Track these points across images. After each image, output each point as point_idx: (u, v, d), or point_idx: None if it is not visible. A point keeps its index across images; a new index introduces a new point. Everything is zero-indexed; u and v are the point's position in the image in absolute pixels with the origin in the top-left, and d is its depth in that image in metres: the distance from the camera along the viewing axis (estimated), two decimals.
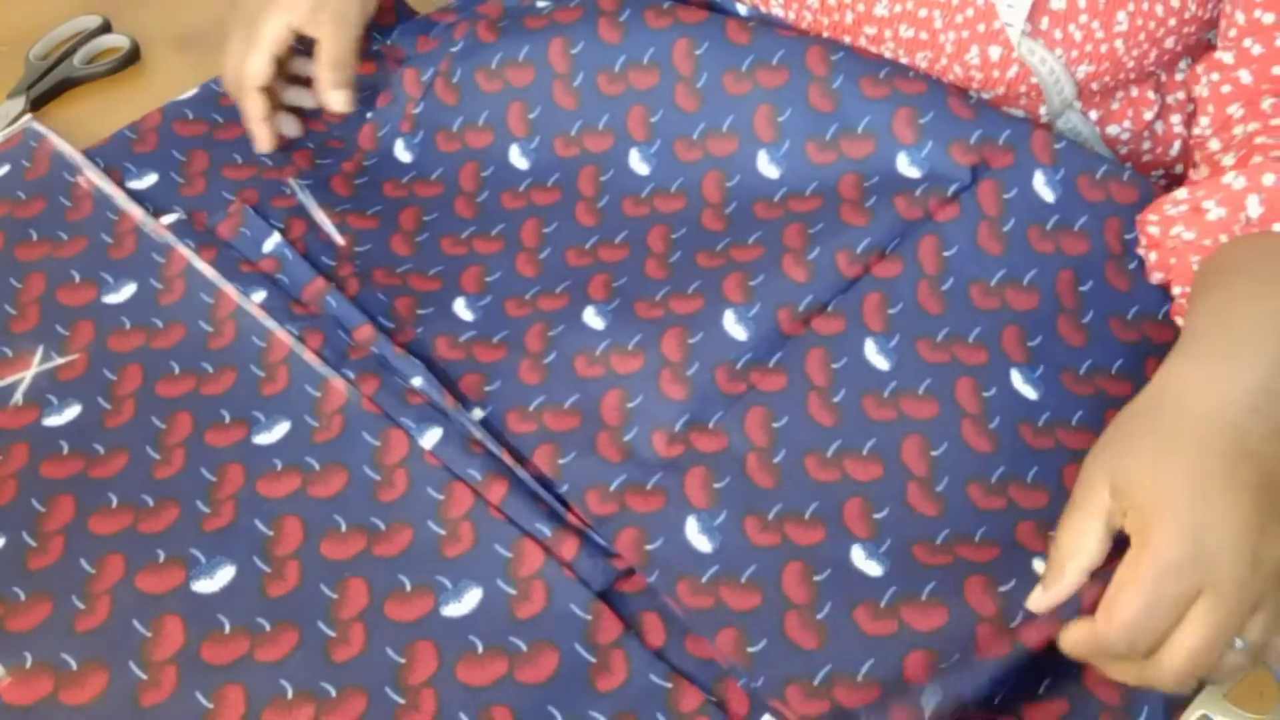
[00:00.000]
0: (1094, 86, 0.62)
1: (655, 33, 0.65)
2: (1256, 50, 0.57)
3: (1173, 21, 0.58)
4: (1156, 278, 0.58)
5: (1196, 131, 0.61)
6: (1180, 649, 0.42)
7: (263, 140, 0.65)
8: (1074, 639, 0.44)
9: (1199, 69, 0.61)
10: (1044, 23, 0.59)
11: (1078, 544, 0.45)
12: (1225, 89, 0.58)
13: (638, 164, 0.65)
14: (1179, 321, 0.56)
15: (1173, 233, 0.55)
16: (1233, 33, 0.58)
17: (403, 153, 0.67)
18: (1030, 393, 0.55)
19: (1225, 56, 0.58)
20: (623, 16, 0.65)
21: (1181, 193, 0.55)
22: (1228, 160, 0.55)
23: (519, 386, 0.56)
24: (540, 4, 0.68)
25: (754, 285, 0.57)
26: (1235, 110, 0.58)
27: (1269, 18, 0.56)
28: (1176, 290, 0.56)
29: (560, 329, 0.58)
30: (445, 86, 0.68)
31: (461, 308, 0.60)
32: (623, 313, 0.58)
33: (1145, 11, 0.57)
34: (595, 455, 0.53)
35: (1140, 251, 0.58)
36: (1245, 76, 0.57)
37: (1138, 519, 0.43)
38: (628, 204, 0.63)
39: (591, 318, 0.58)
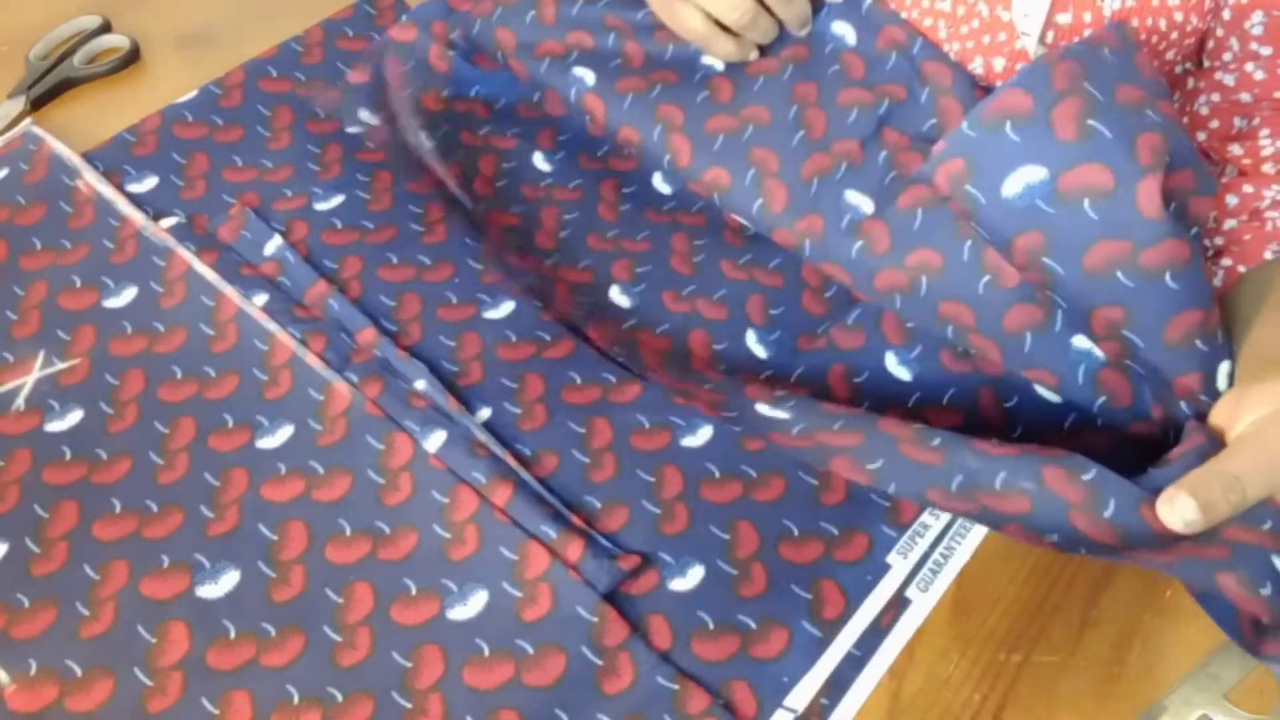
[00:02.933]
0: None
1: None
2: (1259, 75, 0.58)
3: (1174, 35, 0.58)
4: (1216, 242, 0.57)
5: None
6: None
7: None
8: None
9: (1191, 84, 0.61)
10: (1049, 36, 0.59)
11: None
12: (1224, 107, 0.59)
13: (660, 184, 0.66)
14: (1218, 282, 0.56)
15: (1268, 215, 0.55)
16: (1228, 56, 0.59)
17: (424, 140, 0.67)
18: (1053, 395, 0.56)
19: (1227, 79, 0.59)
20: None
21: None
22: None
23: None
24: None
25: (775, 315, 0.59)
26: (1239, 122, 0.59)
27: (1267, 50, 0.57)
28: (1228, 262, 0.55)
29: (585, 299, 0.59)
30: (483, 106, 0.69)
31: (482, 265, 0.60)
32: (649, 296, 0.59)
33: (1149, 26, 0.57)
34: None
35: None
36: (1246, 97, 0.58)
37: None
38: (649, 212, 0.64)
39: (618, 295, 0.59)
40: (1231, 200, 0.56)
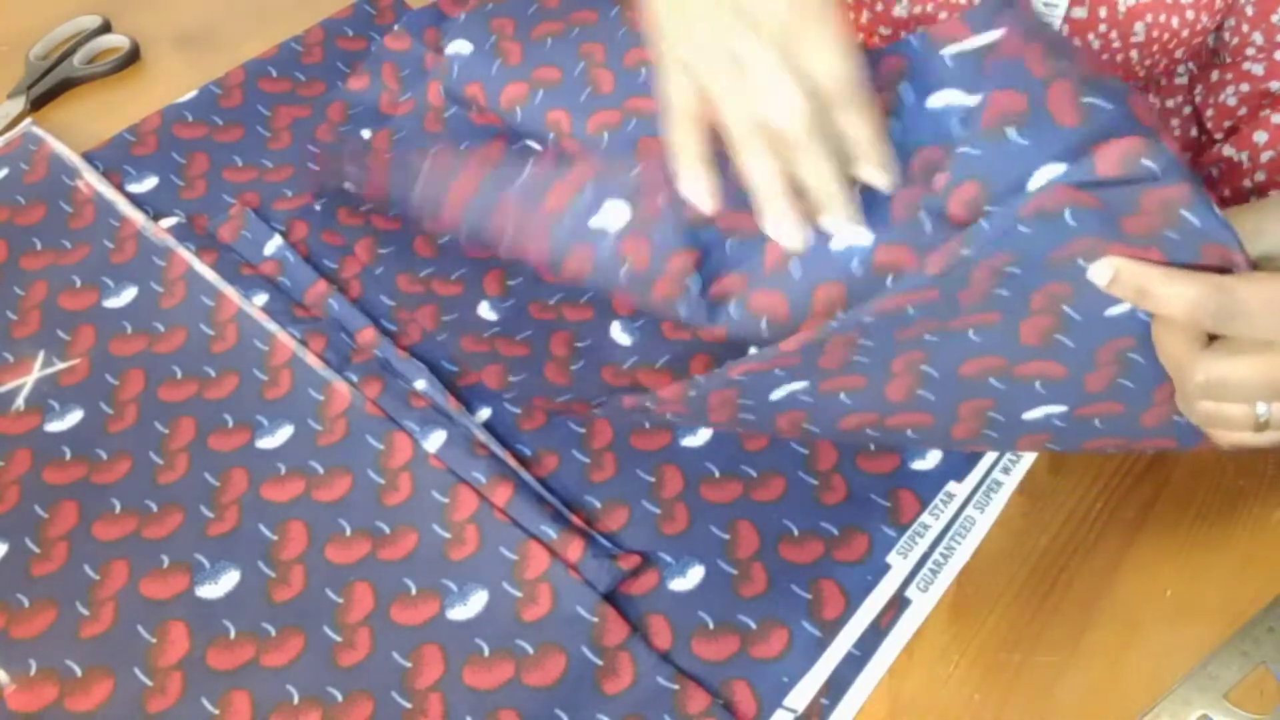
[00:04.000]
0: None
1: None
2: None
3: (1185, 33, 0.58)
4: (1257, 178, 0.56)
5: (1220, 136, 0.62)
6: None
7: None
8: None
9: (1216, 76, 0.61)
10: (1063, 31, 0.59)
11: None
12: (1253, 96, 0.59)
13: None
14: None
15: None
16: (1251, 50, 0.59)
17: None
18: None
19: (1255, 69, 0.59)
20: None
21: None
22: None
23: (544, 383, 0.57)
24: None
25: None
26: (1270, 115, 0.59)
27: None
28: (1277, 195, 0.55)
29: (588, 342, 0.58)
30: (479, 111, 0.68)
31: (486, 310, 0.60)
32: (649, 330, 0.58)
33: (1162, 24, 0.58)
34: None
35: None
36: (1276, 85, 0.58)
37: None
38: None
39: (618, 334, 0.59)
40: (1261, 136, 0.56)
